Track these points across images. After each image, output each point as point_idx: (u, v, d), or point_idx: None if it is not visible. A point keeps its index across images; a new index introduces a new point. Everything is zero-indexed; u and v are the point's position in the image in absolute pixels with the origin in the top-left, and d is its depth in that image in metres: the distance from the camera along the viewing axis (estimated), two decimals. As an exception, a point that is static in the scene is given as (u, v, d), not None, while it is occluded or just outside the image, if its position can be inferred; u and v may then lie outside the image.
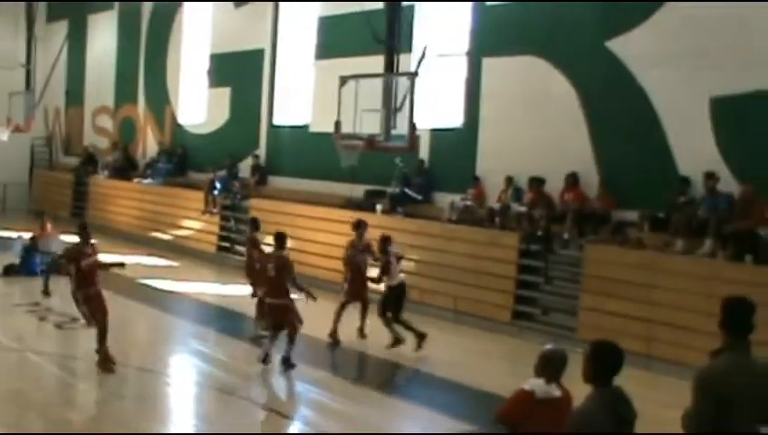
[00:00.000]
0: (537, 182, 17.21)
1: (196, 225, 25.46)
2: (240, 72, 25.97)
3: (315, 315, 13.79)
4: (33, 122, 31.93)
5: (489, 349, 15.67)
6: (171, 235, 26.12)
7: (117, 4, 32.24)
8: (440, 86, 19.94)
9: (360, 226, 15.73)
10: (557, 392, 6.31)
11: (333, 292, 16.08)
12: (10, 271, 20.02)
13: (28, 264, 20.16)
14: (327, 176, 21.71)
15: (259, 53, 25.21)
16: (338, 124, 16.33)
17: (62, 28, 35.45)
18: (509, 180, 18.02)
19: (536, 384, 6.30)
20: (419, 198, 19.78)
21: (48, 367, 12.81)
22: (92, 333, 15.07)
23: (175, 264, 23.48)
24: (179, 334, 16.30)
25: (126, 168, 30.42)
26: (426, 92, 18.34)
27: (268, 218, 22.22)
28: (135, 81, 31.28)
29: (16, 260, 20.41)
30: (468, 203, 18.50)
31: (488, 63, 18.89)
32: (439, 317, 17.41)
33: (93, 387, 12.27)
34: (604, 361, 5.49)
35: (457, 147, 19.52)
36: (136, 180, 29.24)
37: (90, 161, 32.42)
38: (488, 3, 19.00)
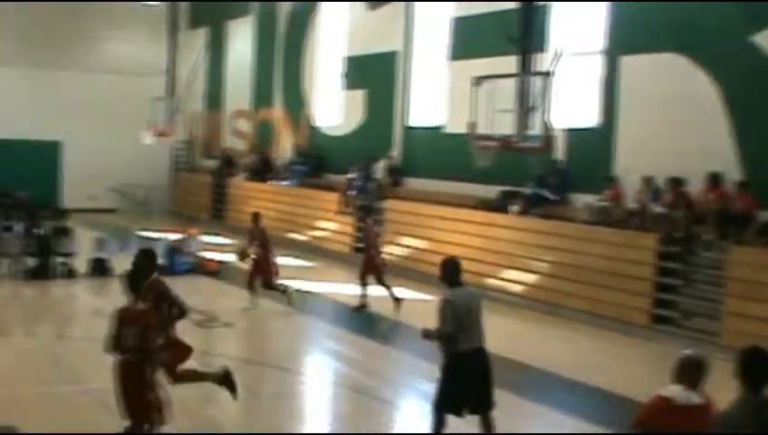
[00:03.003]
0: (676, 182, 16.74)
1: (331, 226, 25.80)
2: (374, 74, 26.19)
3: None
4: (174, 127, 33.05)
5: (625, 352, 15.34)
6: (307, 236, 26.52)
7: (255, 7, 32.90)
8: (575, 85, 19.60)
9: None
10: (696, 399, 6.10)
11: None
12: (154, 271, 20.65)
13: (171, 264, 20.86)
14: (462, 177, 21.64)
15: (393, 55, 25.36)
16: (472, 125, 16.28)
17: (202, 35, 36.46)
18: (647, 180, 17.56)
19: (674, 390, 6.12)
20: (555, 198, 19.50)
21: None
22: (232, 332, 15.56)
23: (310, 264, 23.83)
24: (315, 334, 16.54)
25: (263, 170, 31.04)
26: (560, 92, 18.08)
27: (403, 219, 22.53)
28: (271, 84, 31.92)
29: (161, 261, 21.02)
30: (605, 204, 18.14)
31: (626, 61, 18.46)
32: (573, 319, 17.18)
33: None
34: (752, 367, 5.42)
35: (593, 146, 19.16)
36: (272, 182, 29.82)
37: (228, 164, 33.24)
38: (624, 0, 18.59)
